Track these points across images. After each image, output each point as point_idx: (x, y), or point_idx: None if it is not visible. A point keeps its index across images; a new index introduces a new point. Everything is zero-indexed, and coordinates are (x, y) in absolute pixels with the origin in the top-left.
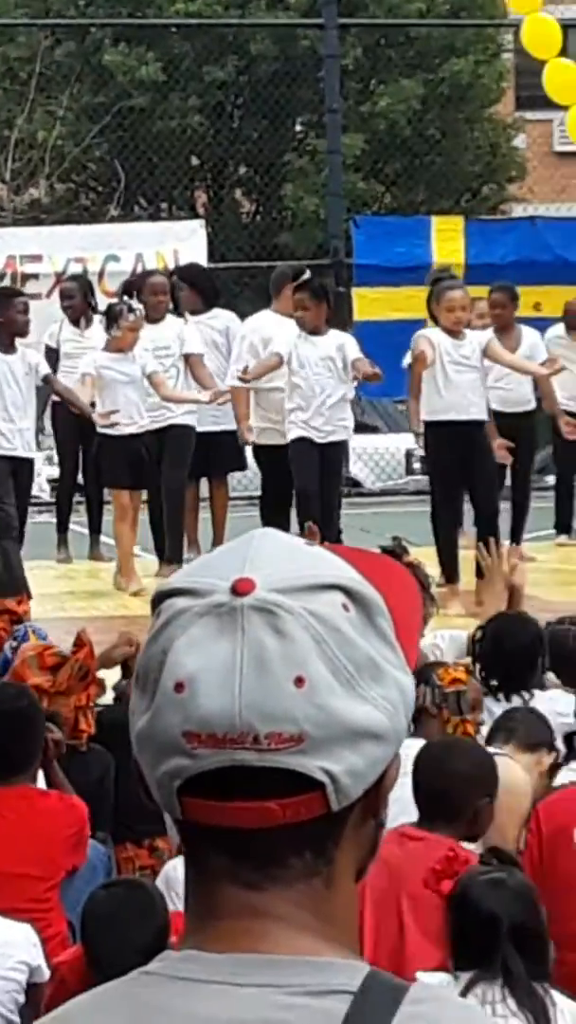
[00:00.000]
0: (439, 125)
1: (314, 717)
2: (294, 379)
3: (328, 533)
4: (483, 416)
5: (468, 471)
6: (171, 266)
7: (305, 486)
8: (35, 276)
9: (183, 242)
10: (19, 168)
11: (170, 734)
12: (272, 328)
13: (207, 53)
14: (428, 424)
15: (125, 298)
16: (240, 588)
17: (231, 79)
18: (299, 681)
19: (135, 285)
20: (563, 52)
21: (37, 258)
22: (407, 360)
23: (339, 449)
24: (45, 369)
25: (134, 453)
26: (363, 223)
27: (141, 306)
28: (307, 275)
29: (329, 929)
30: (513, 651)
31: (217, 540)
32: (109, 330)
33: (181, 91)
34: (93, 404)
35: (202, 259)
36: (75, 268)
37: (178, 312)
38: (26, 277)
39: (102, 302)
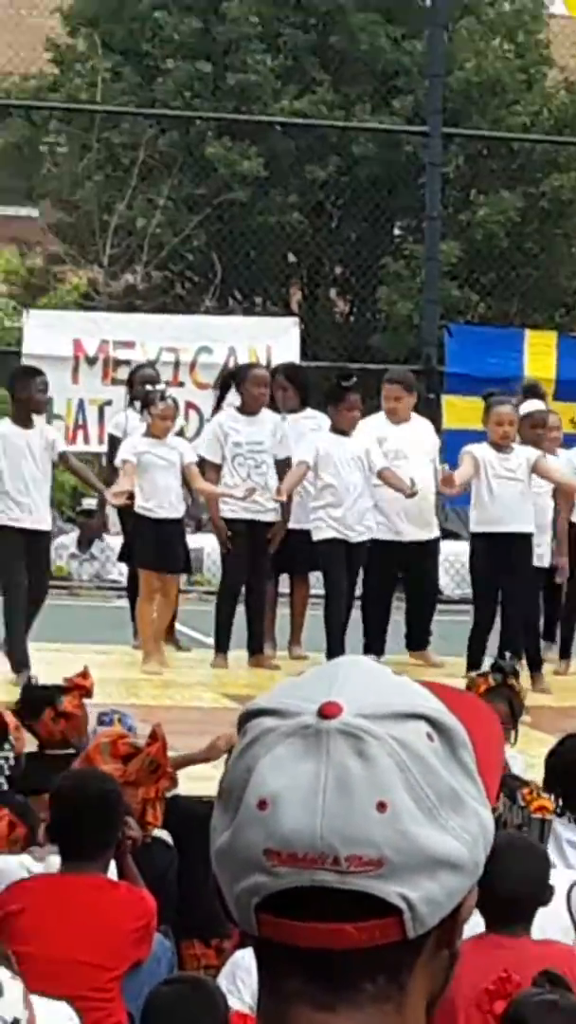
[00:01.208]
0: (537, 238)
1: (395, 843)
2: (325, 477)
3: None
4: (528, 528)
5: (509, 582)
6: (263, 362)
7: (338, 584)
8: (127, 362)
9: (276, 339)
10: (116, 254)
11: (251, 851)
12: (385, 431)
13: (310, 152)
14: (474, 535)
15: (159, 386)
16: (327, 712)
17: (332, 179)
18: (381, 806)
19: (237, 376)
20: None
21: (130, 344)
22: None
23: (364, 550)
24: (61, 446)
25: (166, 536)
26: (457, 332)
27: (170, 395)
28: (355, 379)
29: None
30: None
31: (294, 637)
32: (142, 415)
33: (282, 188)
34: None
35: (295, 357)
36: (167, 357)
37: (274, 408)
38: (118, 363)
39: (193, 393)
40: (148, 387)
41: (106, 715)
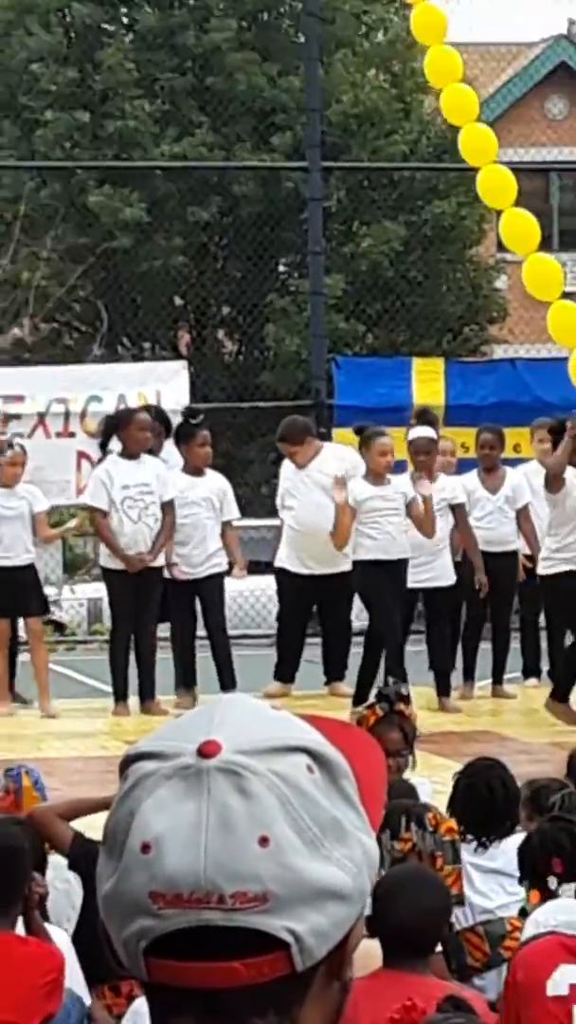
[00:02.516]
0: (421, 266)
1: (279, 877)
2: (178, 517)
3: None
4: (407, 555)
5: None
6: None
7: (175, 625)
8: (17, 416)
9: (166, 383)
10: (3, 308)
11: (137, 895)
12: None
13: (191, 194)
14: (362, 563)
15: (4, 436)
16: (206, 750)
17: (215, 220)
18: (264, 841)
19: (121, 420)
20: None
21: (19, 398)
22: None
23: (214, 582)
24: None
25: (13, 584)
26: (344, 364)
27: (19, 442)
28: (202, 416)
29: None
30: (493, 802)
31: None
32: None
33: (165, 232)
34: None
35: (184, 400)
36: (57, 408)
37: (152, 452)
38: (8, 417)
39: (84, 442)
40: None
41: (12, 770)
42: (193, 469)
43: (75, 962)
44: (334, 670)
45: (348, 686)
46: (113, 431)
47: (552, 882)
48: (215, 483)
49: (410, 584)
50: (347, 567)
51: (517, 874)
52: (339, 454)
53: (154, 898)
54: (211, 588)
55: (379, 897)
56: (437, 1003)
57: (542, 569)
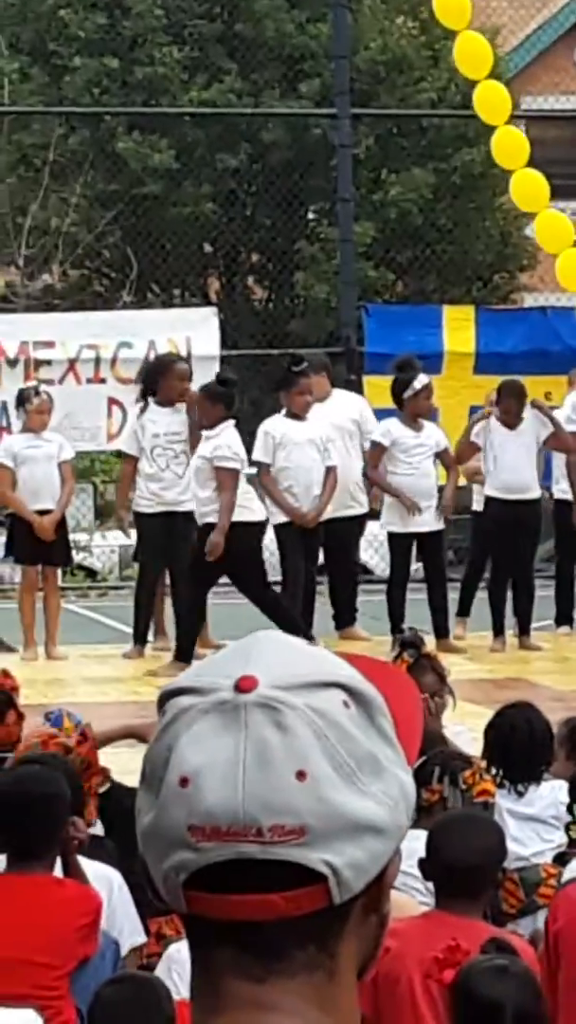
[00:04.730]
0: (450, 214)
1: (316, 810)
2: (281, 460)
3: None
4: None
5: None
6: (183, 353)
7: (293, 569)
8: (48, 362)
9: (195, 329)
10: (32, 254)
11: (175, 829)
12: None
13: (220, 141)
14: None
15: (34, 382)
16: (243, 685)
17: (244, 167)
18: (301, 775)
19: (160, 368)
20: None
21: (50, 344)
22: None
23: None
24: None
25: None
26: (374, 311)
27: (46, 390)
28: (305, 364)
29: (332, 1022)
30: (523, 743)
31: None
32: (18, 412)
33: (194, 179)
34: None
35: (215, 347)
36: (88, 354)
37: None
38: (39, 363)
39: (115, 388)
40: (22, 385)
41: (52, 713)
42: (292, 415)
43: (131, 904)
44: (345, 615)
45: (362, 629)
46: (155, 380)
47: None
48: (319, 427)
49: (410, 528)
50: (356, 511)
51: (552, 821)
52: (348, 400)
53: (192, 831)
54: (318, 534)
55: (433, 838)
56: (481, 945)
57: None
